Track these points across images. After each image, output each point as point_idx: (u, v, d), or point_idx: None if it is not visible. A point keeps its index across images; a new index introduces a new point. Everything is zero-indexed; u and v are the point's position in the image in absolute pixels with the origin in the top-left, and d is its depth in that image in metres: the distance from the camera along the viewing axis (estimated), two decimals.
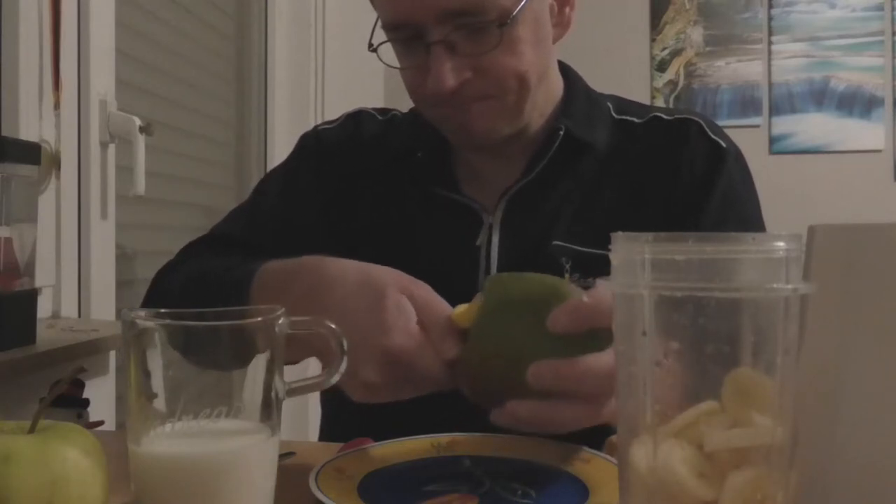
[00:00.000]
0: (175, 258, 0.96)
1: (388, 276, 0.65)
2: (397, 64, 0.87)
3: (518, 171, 0.90)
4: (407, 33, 0.82)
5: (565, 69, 0.97)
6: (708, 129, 0.92)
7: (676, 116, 0.94)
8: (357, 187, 0.96)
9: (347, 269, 0.67)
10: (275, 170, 1.05)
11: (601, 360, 0.57)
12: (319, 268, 0.69)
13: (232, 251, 0.92)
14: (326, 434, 0.98)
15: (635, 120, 0.94)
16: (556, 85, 0.94)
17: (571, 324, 0.57)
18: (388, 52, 0.87)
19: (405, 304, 0.63)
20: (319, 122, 2.38)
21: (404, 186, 0.94)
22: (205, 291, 0.79)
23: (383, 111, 1.03)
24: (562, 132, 0.89)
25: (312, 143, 1.01)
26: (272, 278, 0.75)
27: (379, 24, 0.86)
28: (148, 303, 0.91)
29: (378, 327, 0.62)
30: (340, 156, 0.98)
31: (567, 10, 0.90)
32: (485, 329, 0.61)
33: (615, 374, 0.53)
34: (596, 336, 0.57)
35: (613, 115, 0.95)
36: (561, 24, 0.89)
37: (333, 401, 0.98)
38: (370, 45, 0.86)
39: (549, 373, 0.57)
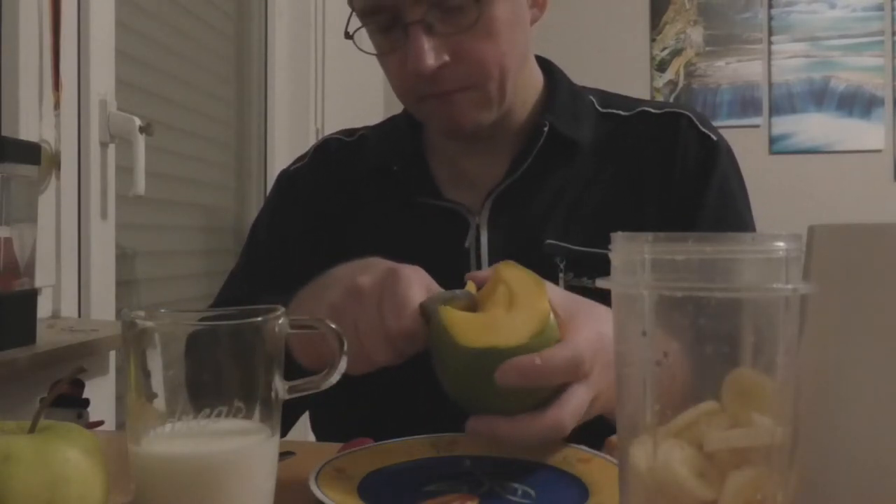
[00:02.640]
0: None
1: None
2: (375, 51, 0.86)
3: (502, 169, 0.90)
4: (383, 18, 0.82)
5: (547, 64, 0.96)
6: (698, 123, 0.91)
7: (665, 110, 0.93)
8: (341, 213, 0.95)
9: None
10: (259, 220, 1.03)
11: (536, 418, 0.58)
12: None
13: None
14: (320, 436, 0.97)
15: (622, 113, 0.93)
16: (536, 75, 0.94)
17: (517, 381, 0.57)
18: (366, 39, 0.86)
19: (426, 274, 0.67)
20: (319, 122, 2.38)
21: (386, 201, 0.93)
22: None
23: (349, 132, 1.02)
24: (546, 129, 0.88)
25: (287, 185, 1.01)
26: (308, 289, 0.75)
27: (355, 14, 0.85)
28: None
29: (397, 264, 0.66)
30: (317, 188, 0.98)
31: None
32: (440, 348, 0.61)
33: (551, 426, 0.57)
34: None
35: (598, 108, 0.94)
36: (537, 4, 0.88)
37: (328, 405, 0.97)
38: (346, 33, 0.85)
39: (486, 427, 0.58)
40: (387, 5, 0.80)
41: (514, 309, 0.61)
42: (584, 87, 0.97)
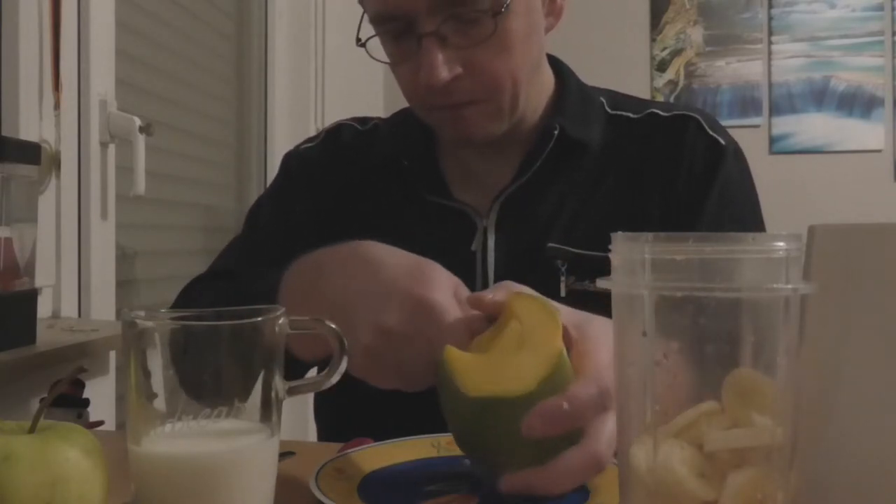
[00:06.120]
0: (176, 300, 0.92)
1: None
2: (388, 59, 0.85)
3: (511, 171, 0.89)
4: (396, 26, 0.80)
5: (557, 63, 0.95)
6: (706, 126, 0.90)
7: (674, 113, 0.91)
8: (347, 201, 0.94)
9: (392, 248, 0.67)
10: (263, 197, 1.03)
11: (573, 459, 0.54)
12: (359, 246, 0.68)
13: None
14: (324, 437, 0.97)
15: (631, 115, 0.92)
16: (548, 77, 0.93)
17: (546, 430, 0.53)
18: (378, 47, 0.85)
19: (451, 275, 0.63)
20: (319, 121, 2.38)
21: (394, 195, 0.92)
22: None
23: (363, 121, 1.01)
24: (556, 132, 0.87)
25: (296, 165, 0.99)
26: (303, 270, 0.72)
27: (367, 18, 0.83)
28: None
29: (420, 278, 0.61)
30: (326, 172, 0.96)
31: None
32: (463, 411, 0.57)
33: (592, 463, 0.54)
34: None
35: (608, 110, 0.93)
36: (553, 13, 0.88)
37: (328, 405, 0.97)
38: (358, 39, 0.84)
39: (522, 485, 0.54)
40: (401, 13, 0.79)
41: (525, 349, 0.56)
42: (594, 88, 0.96)
